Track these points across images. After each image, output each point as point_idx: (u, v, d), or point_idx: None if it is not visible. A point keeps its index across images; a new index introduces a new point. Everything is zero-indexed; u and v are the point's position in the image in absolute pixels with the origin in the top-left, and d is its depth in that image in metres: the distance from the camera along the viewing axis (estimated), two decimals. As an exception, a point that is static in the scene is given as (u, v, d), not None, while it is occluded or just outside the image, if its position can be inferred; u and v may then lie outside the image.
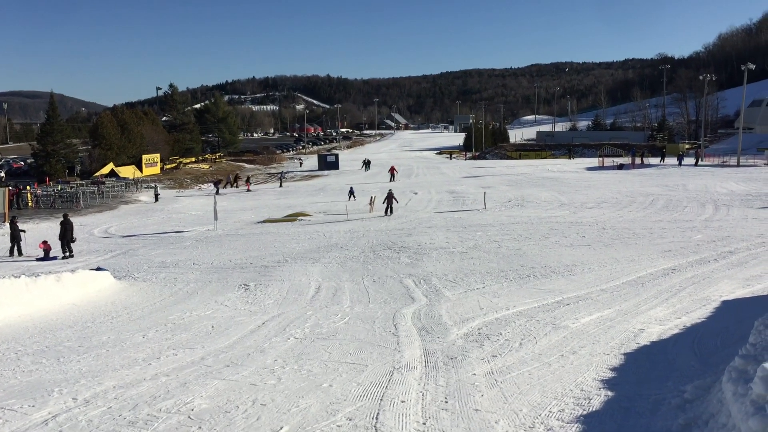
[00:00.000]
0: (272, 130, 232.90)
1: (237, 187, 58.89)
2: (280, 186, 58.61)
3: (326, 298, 15.90)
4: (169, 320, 14.09)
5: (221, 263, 21.35)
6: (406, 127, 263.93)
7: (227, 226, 31.86)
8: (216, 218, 31.93)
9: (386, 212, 33.02)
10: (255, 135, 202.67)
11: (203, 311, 14.93)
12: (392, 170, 60.01)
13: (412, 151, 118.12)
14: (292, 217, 33.52)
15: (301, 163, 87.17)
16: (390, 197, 33.92)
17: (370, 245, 23.16)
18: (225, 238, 27.30)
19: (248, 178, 61.54)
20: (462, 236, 24.26)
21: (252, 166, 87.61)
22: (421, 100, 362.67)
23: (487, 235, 24.12)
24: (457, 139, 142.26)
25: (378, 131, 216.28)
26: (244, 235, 28.05)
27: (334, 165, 76.90)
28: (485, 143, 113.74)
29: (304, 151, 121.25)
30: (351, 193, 43.32)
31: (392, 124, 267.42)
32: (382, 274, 18.49)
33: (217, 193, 52.37)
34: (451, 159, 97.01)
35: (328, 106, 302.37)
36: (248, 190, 55.17)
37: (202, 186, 63.53)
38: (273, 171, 78.96)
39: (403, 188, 47.19)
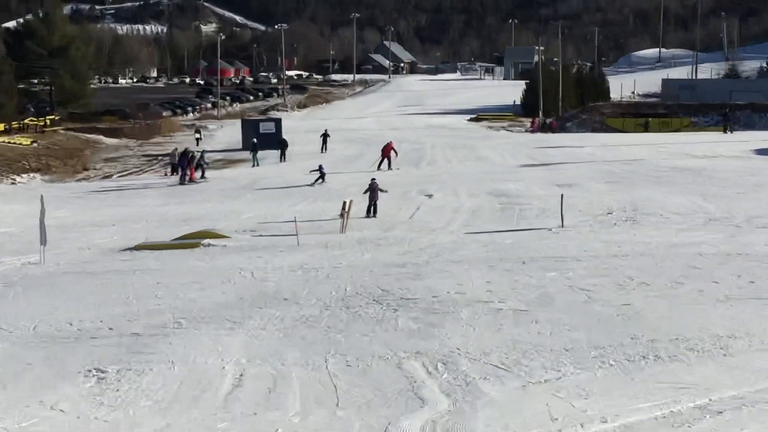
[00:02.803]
0: (154, 73, 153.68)
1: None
2: (202, 176, 36.40)
3: (255, 397, 11.20)
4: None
5: (53, 327, 14.71)
6: (413, 69, 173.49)
7: (67, 255, 21.99)
8: (44, 242, 22.45)
9: (368, 213, 24.95)
10: (123, 81, 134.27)
11: (16, 422, 10.56)
12: (388, 150, 38.15)
13: (422, 116, 77.52)
14: (191, 241, 23.23)
15: (198, 139, 52.53)
16: (374, 190, 25.45)
17: (341, 295, 16.00)
18: (62, 279, 18.74)
19: (194, 155, 37.41)
20: (518, 279, 16.74)
21: (116, 140, 56.83)
22: (442, 19, 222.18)
23: (566, 278, 16.69)
24: (510, 92, 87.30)
25: (359, 76, 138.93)
26: (97, 273, 19.09)
27: (273, 140, 47.90)
28: (565, 102, 73.13)
29: (215, 113, 77.26)
30: (321, 174, 32.28)
31: (386, 63, 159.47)
32: (363, 351, 12.78)
33: (177, 175, 35.67)
34: (535, 127, 62.40)
35: (263, 28, 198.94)
36: (192, 180, 36.34)
37: (17, 178, 41.85)
38: (157, 152, 50.51)
39: (405, 186, 31.93)
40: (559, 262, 18.45)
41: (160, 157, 49.02)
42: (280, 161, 43.33)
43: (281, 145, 44.50)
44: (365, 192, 25.78)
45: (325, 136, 47.48)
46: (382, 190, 25.43)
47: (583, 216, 24.54)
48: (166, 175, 39.35)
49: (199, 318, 14.85)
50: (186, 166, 36.17)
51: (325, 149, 46.74)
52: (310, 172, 33.21)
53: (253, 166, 42.25)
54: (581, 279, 16.80)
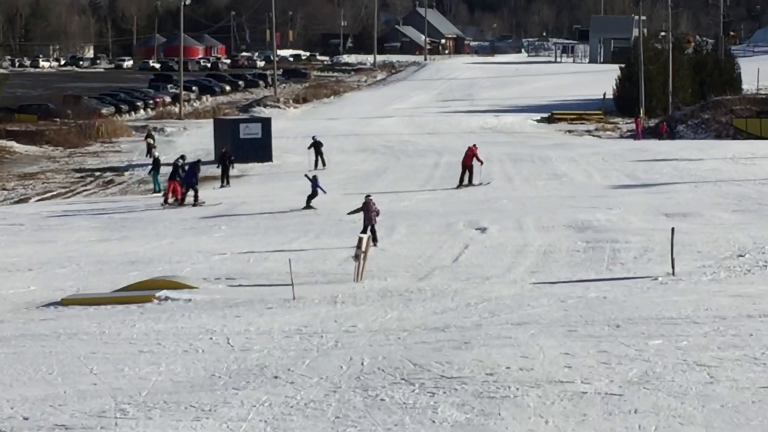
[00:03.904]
0: (90, 53, 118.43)
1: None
2: (176, 201, 29.39)
3: None
4: None
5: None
6: (456, 48, 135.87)
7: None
8: None
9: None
10: (46, 65, 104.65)
11: None
12: (470, 158, 31.04)
13: (472, 115, 62.84)
14: (140, 293, 19.33)
15: (150, 146, 41.48)
16: (368, 210, 21.24)
17: (356, 371, 12.87)
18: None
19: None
20: (609, 350, 13.43)
21: (34, 148, 46.44)
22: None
23: (677, 349, 13.39)
24: (598, 80, 70.28)
25: (382, 57, 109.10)
26: (6, 338, 15.70)
27: (259, 148, 40.20)
28: (676, 95, 58.18)
29: (176, 109, 61.80)
30: (315, 188, 26.53)
31: (421, 39, 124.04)
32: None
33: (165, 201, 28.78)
34: (640, 131, 49.60)
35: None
36: (175, 202, 29.59)
37: None
38: (94, 165, 42.16)
39: (448, 215, 26.61)
40: (668, 326, 14.45)
41: (99, 173, 39.78)
42: (222, 185, 33.53)
43: (223, 160, 33.89)
44: (354, 212, 21.63)
45: (316, 145, 36.85)
46: (377, 212, 21.35)
47: (704, 259, 19.45)
48: (176, 200, 30.10)
49: (153, 403, 11.35)
50: (196, 182, 28.91)
51: (323, 163, 36.61)
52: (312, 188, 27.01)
53: (155, 191, 32.44)
54: (700, 350, 13.02)
